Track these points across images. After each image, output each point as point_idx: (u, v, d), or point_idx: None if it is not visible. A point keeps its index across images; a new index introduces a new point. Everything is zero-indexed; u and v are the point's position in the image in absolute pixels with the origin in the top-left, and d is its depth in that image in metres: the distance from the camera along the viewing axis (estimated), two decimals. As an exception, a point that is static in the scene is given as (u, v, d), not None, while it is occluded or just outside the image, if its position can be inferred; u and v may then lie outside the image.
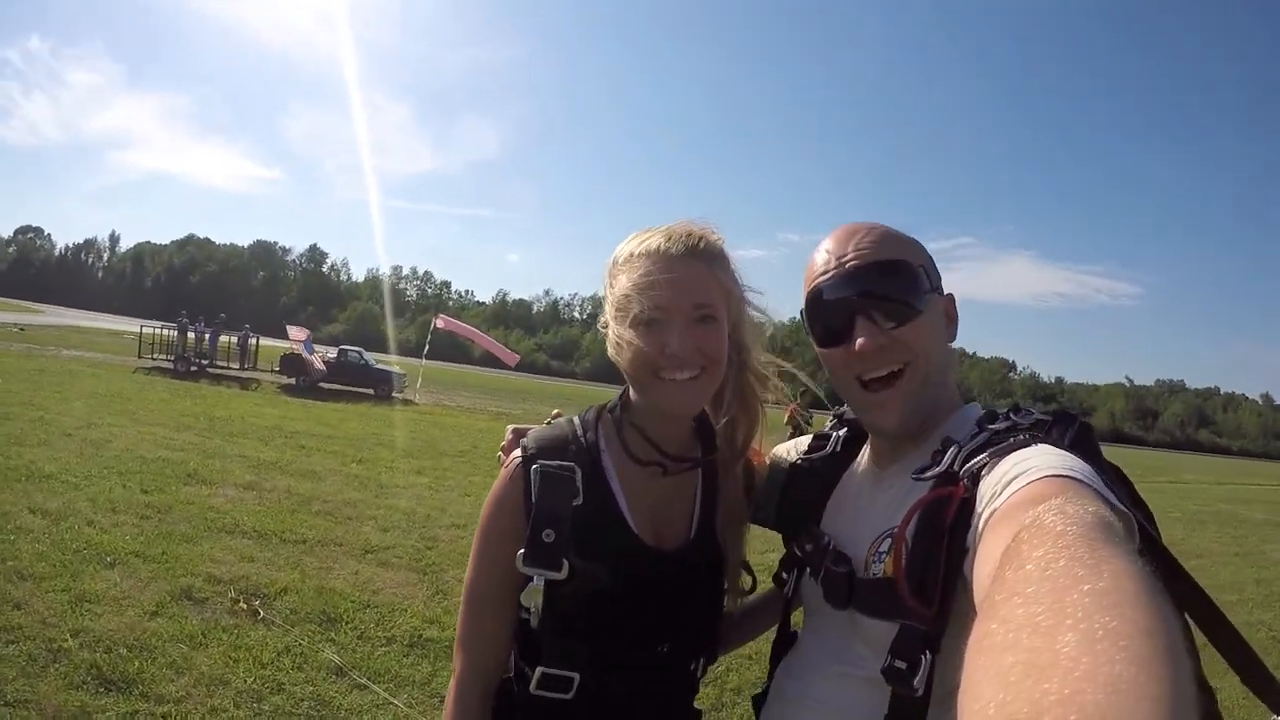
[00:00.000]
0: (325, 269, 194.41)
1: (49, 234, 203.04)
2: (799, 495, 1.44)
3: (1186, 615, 0.98)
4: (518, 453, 1.38)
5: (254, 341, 31.34)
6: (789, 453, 1.56)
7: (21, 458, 8.76)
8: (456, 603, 1.38)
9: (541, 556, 1.27)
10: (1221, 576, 10.71)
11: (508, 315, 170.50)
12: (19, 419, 11.34)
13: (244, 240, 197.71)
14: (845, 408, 1.44)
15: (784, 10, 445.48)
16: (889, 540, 1.17)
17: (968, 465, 1.06)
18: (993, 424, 1.12)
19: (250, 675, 4.30)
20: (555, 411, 1.53)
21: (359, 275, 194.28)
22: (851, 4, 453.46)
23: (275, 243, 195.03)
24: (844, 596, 1.21)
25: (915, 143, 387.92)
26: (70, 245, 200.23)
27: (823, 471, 1.44)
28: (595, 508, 1.33)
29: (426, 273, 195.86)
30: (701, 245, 1.33)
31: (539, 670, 1.30)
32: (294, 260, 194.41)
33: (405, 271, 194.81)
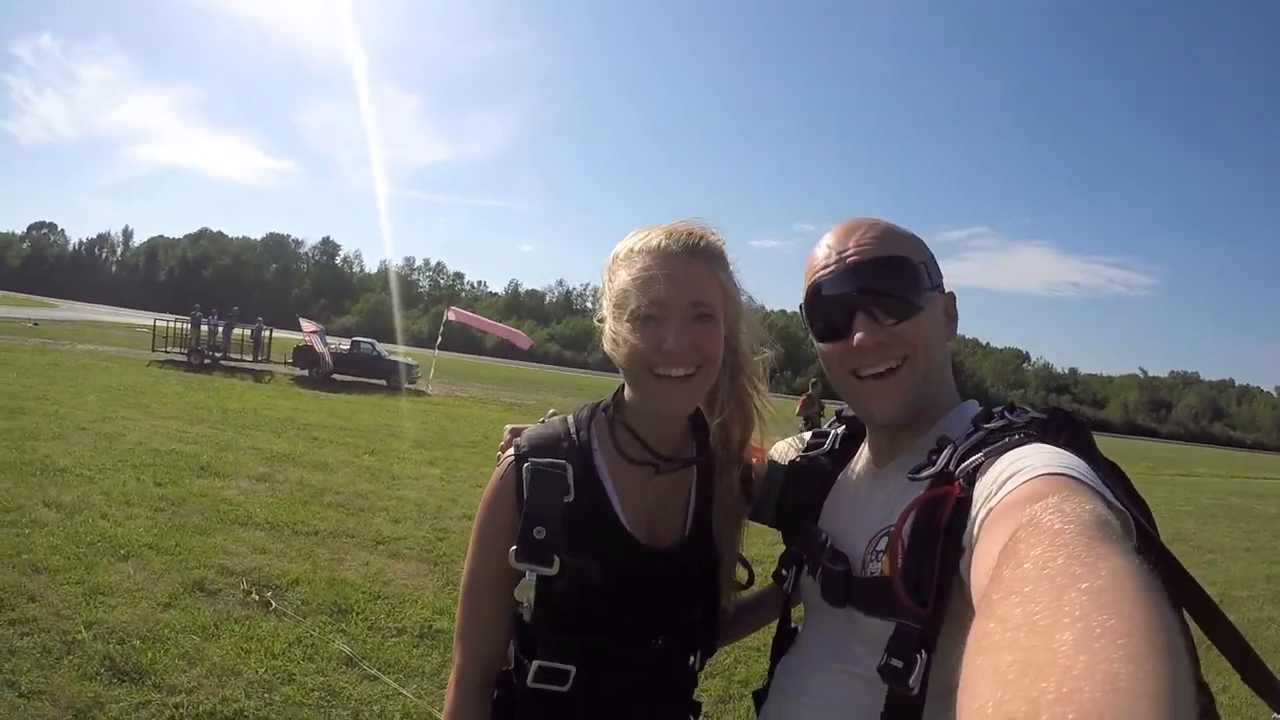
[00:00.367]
0: (338, 261, 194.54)
1: (62, 229, 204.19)
2: (797, 493, 1.45)
3: (1186, 614, 0.98)
4: (511, 451, 1.40)
5: (267, 334, 31.40)
6: (788, 451, 1.56)
7: (36, 452, 8.83)
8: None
9: (533, 552, 1.29)
10: (1232, 572, 10.62)
11: (520, 306, 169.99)
12: (34, 413, 11.43)
13: (257, 233, 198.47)
14: (844, 405, 1.45)
15: (799, 3, 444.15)
16: (886, 539, 1.17)
17: (963, 465, 1.06)
18: (988, 423, 1.12)
19: (261, 666, 4.34)
20: (551, 410, 1.54)
21: (372, 267, 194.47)
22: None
23: (288, 235, 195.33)
24: (841, 595, 1.22)
25: (931, 134, 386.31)
26: (84, 240, 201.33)
27: (821, 470, 1.45)
28: (587, 505, 1.35)
29: (439, 264, 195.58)
30: (702, 244, 1.34)
31: (535, 663, 1.32)
32: (307, 253, 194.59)
33: (418, 263, 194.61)
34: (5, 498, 6.86)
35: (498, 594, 1.36)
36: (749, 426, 1.49)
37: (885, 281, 1.23)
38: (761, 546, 1.52)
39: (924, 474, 1.12)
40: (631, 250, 1.34)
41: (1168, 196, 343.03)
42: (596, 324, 1.42)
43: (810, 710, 1.26)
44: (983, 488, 0.98)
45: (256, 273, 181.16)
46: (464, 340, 73.01)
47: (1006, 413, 1.14)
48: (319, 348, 27.08)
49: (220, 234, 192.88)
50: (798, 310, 1.34)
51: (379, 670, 4.49)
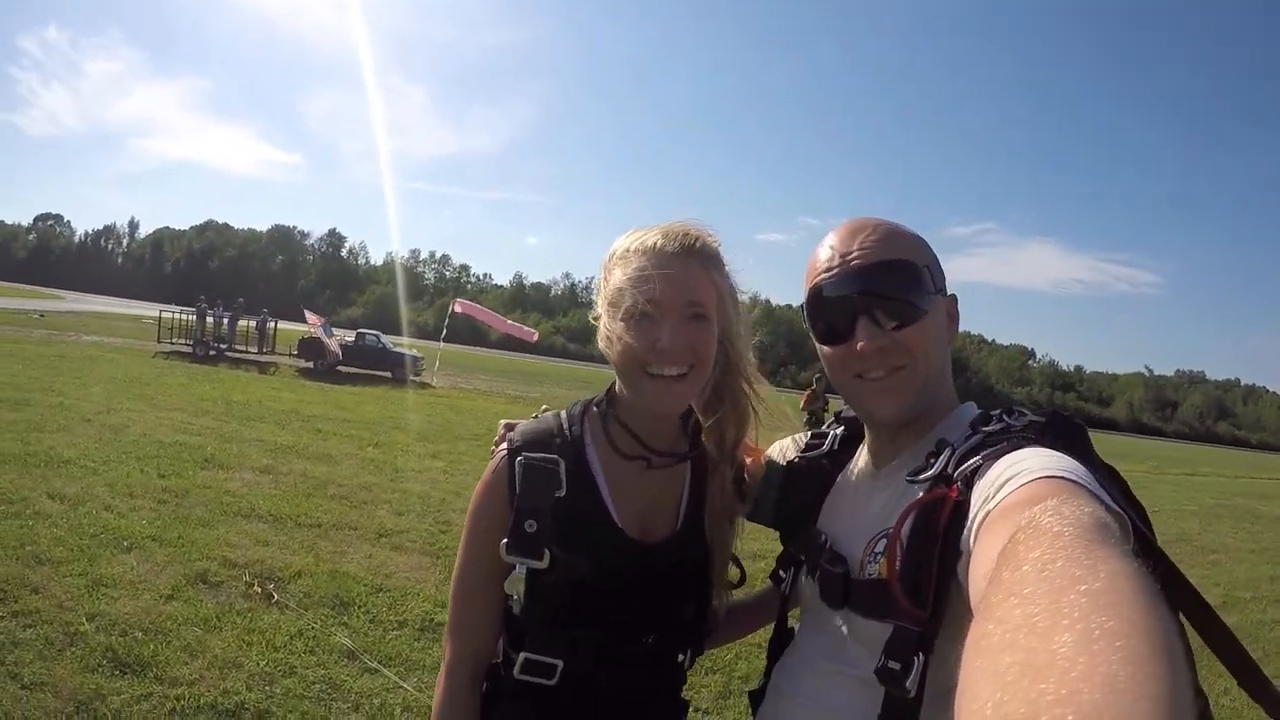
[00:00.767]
0: (344, 253, 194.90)
1: (69, 221, 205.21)
2: (796, 494, 1.45)
3: (1183, 618, 0.97)
4: (504, 445, 1.41)
5: (272, 325, 31.48)
6: (786, 451, 1.56)
7: (41, 443, 8.85)
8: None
9: (524, 546, 1.30)
10: (1237, 573, 10.58)
11: (526, 298, 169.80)
12: (39, 405, 11.46)
13: (263, 225, 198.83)
14: (844, 407, 1.45)
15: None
16: (884, 541, 1.17)
17: (961, 467, 1.06)
18: (986, 426, 1.12)
19: (263, 658, 4.35)
20: (544, 406, 1.54)
21: (378, 259, 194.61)
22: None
23: (294, 227, 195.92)
24: (840, 596, 1.22)
25: (938, 129, 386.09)
26: (90, 232, 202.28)
27: (820, 471, 1.45)
28: (578, 500, 1.36)
29: (444, 256, 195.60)
30: (697, 245, 1.35)
31: (522, 655, 1.34)
32: (312, 245, 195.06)
33: (423, 255, 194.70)
34: (9, 489, 6.87)
35: (489, 587, 1.37)
36: (743, 426, 1.49)
37: (888, 286, 1.23)
38: (765, 542, 1.51)
39: (922, 477, 1.12)
40: (628, 249, 1.35)
41: (1175, 194, 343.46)
42: (592, 321, 1.43)
43: (807, 711, 1.26)
44: (981, 490, 0.98)
45: (262, 264, 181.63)
46: (469, 332, 73.01)
47: (1005, 416, 1.13)
48: (326, 340, 27.08)
49: (226, 226, 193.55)
50: (800, 309, 1.34)
51: (380, 663, 4.50)
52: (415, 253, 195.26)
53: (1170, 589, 0.95)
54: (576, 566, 1.32)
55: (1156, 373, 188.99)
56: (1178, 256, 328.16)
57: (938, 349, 1.26)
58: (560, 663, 1.34)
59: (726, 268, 1.40)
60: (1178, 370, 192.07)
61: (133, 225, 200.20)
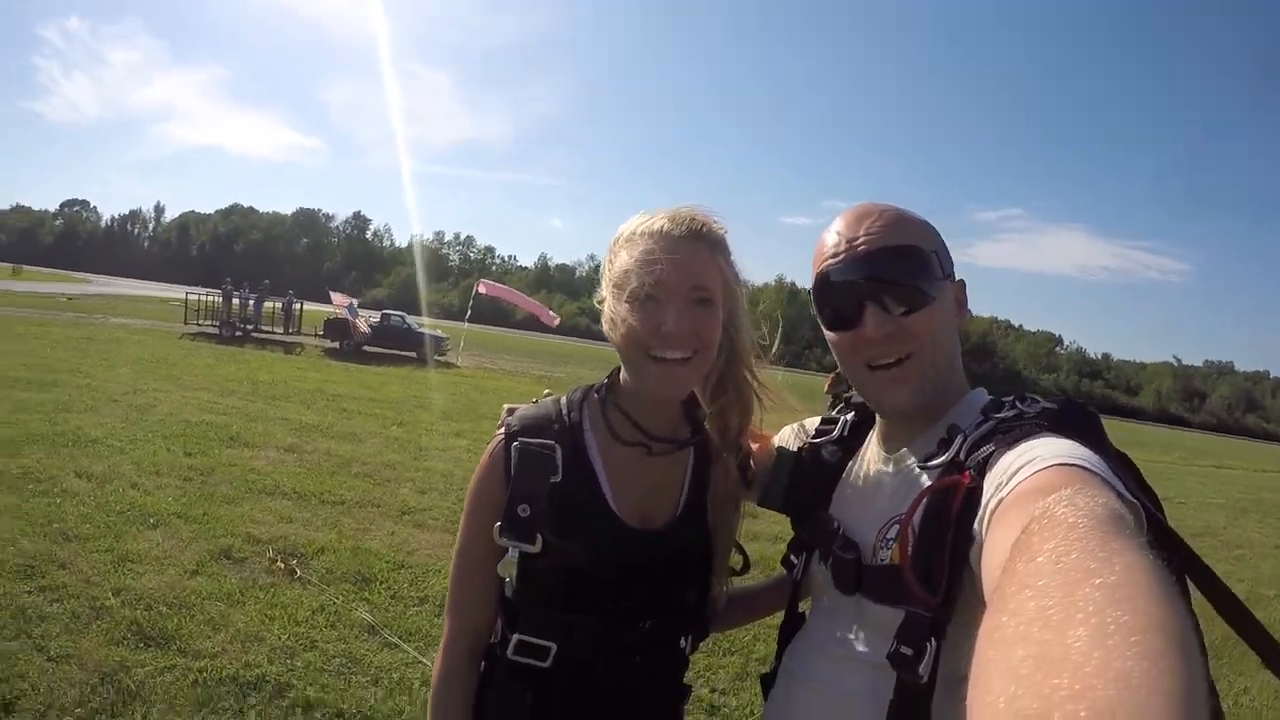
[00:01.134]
0: (369, 235, 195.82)
1: (94, 206, 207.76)
2: (807, 480, 1.44)
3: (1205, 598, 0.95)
4: (502, 429, 1.41)
5: (298, 307, 31.65)
6: (797, 436, 1.55)
7: (69, 423, 8.96)
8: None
9: (517, 529, 1.31)
10: (1262, 569, 10.39)
11: (550, 280, 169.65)
12: (67, 386, 11.61)
13: (287, 209, 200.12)
14: (853, 392, 1.43)
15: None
16: (895, 527, 1.17)
17: (974, 454, 1.05)
18: (998, 412, 1.11)
19: (284, 632, 4.40)
20: (546, 391, 1.54)
21: (402, 241, 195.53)
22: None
23: (318, 210, 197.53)
24: (852, 582, 1.21)
25: (964, 114, 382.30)
26: (116, 217, 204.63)
27: (831, 456, 1.43)
28: (574, 486, 1.36)
29: (469, 238, 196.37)
30: (704, 230, 1.34)
31: (515, 636, 1.35)
32: (337, 227, 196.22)
33: (448, 237, 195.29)
34: (38, 468, 6.97)
35: (485, 568, 1.37)
36: (747, 414, 1.48)
37: (896, 271, 1.21)
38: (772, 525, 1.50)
39: (934, 463, 1.12)
40: (634, 232, 1.34)
41: (1206, 181, 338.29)
42: (597, 305, 1.42)
43: (819, 696, 1.26)
44: (993, 477, 0.97)
45: (287, 247, 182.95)
46: (494, 313, 73.26)
47: (1017, 402, 1.12)
48: (353, 320, 27.16)
49: (251, 209, 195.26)
50: (808, 294, 1.33)
51: (400, 639, 4.54)
52: (440, 235, 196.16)
53: (1187, 568, 0.94)
54: (569, 552, 1.32)
55: (1185, 362, 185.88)
56: (1207, 245, 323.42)
57: (946, 335, 1.25)
58: (554, 646, 1.34)
59: (732, 255, 1.39)
60: (1206, 360, 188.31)
61: (158, 210, 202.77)
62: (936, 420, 1.23)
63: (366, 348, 27.53)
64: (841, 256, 1.24)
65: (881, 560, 1.18)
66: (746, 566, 1.57)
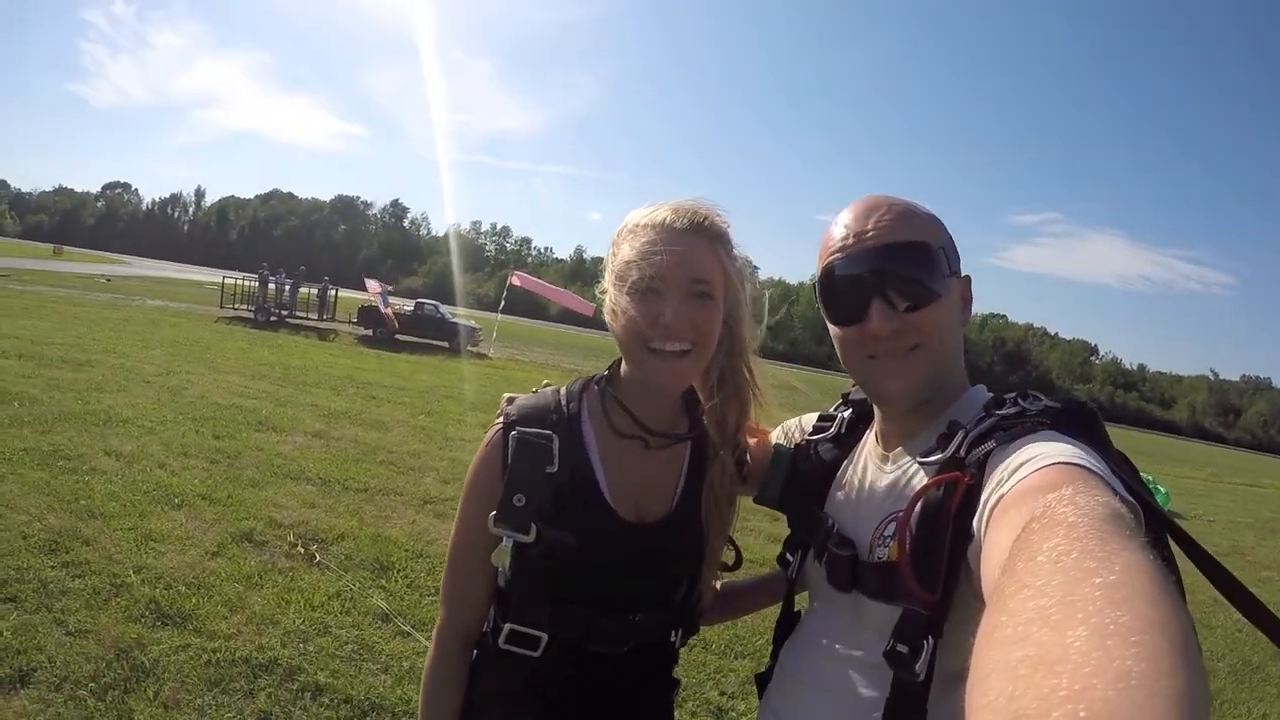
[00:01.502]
0: (406, 223, 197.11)
1: (136, 189, 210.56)
2: (804, 477, 1.43)
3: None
4: (500, 419, 1.42)
5: (333, 293, 31.89)
6: (794, 433, 1.56)
7: (101, 402, 9.10)
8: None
9: (512, 519, 1.31)
10: None
11: (585, 272, 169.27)
12: (101, 365, 11.79)
13: (326, 195, 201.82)
14: (853, 389, 1.43)
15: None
16: (893, 524, 1.16)
17: (974, 451, 1.05)
18: (1000, 409, 1.10)
19: (300, 617, 4.45)
20: (545, 381, 1.55)
21: (439, 230, 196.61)
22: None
23: (357, 197, 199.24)
24: (848, 580, 1.21)
25: (1005, 113, 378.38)
26: (156, 200, 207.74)
27: (827, 453, 1.43)
28: (571, 477, 1.36)
29: (505, 228, 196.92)
30: (706, 223, 1.34)
31: (507, 626, 1.36)
32: (375, 215, 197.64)
33: (484, 227, 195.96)
34: (68, 446, 7.08)
35: (480, 556, 1.38)
36: (745, 410, 1.48)
37: (902, 267, 1.20)
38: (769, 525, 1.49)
39: (933, 459, 1.11)
40: (637, 224, 1.35)
41: (1251, 192, 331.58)
42: (599, 295, 1.43)
43: (815, 694, 1.26)
44: (993, 475, 0.97)
45: (325, 233, 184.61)
46: (528, 305, 73.59)
47: (1019, 400, 1.11)
48: (383, 309, 27.30)
49: (290, 195, 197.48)
50: (813, 288, 1.32)
51: (412, 627, 4.57)
52: (476, 224, 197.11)
53: (1188, 550, 0.93)
54: (563, 542, 1.32)
55: (1222, 377, 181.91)
56: (1252, 258, 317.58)
57: (951, 332, 1.23)
58: (544, 635, 1.35)
59: (735, 249, 1.39)
60: (1243, 375, 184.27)
61: (199, 194, 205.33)
62: (936, 416, 1.23)
63: (399, 336, 27.64)
64: (848, 250, 1.23)
65: (879, 557, 1.17)
66: (739, 562, 1.57)
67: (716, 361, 1.41)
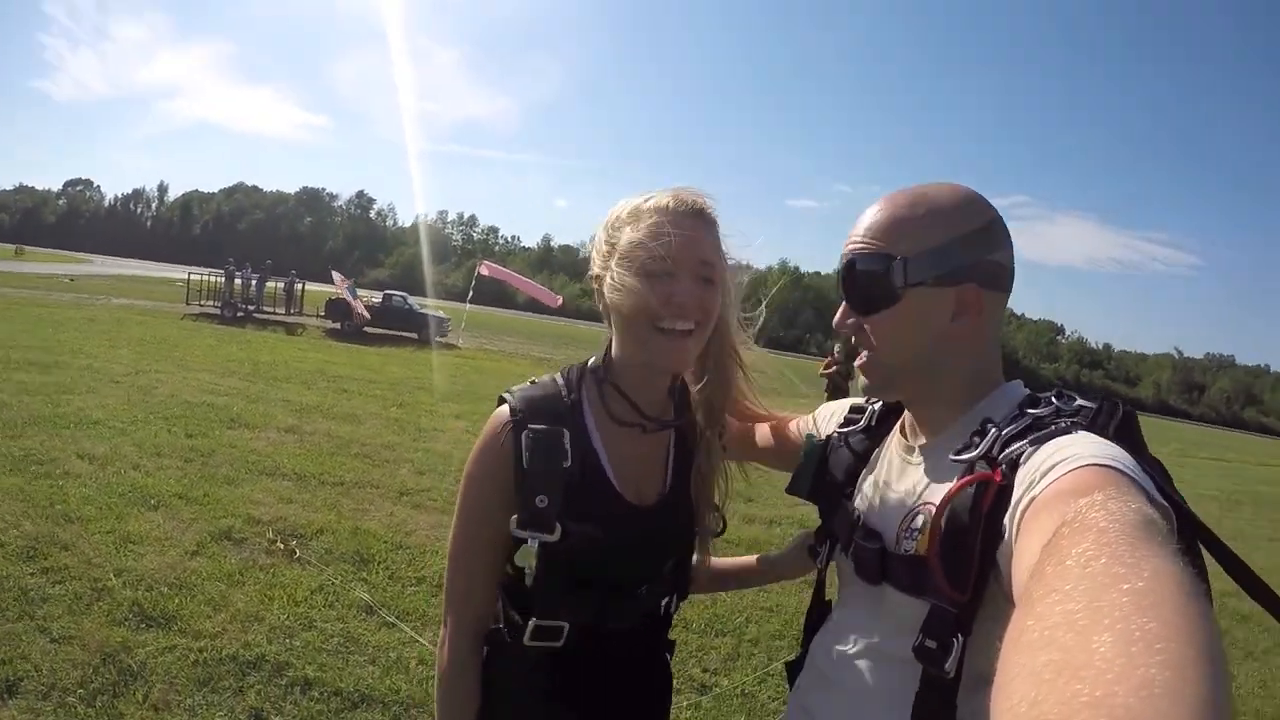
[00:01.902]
0: (372, 215, 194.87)
1: (98, 185, 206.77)
2: (833, 468, 1.45)
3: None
4: (506, 412, 1.41)
5: (300, 287, 31.56)
6: (825, 424, 1.58)
7: (70, 405, 8.99)
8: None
9: (537, 521, 1.33)
10: (1254, 560, 9.51)
11: (553, 260, 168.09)
12: (69, 367, 11.61)
13: (291, 187, 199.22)
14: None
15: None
16: (920, 517, 1.17)
17: (1007, 450, 1.05)
18: (1034, 409, 1.10)
19: (284, 612, 4.46)
20: (532, 377, 1.54)
21: (406, 221, 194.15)
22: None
23: (322, 189, 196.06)
24: (876, 572, 1.21)
25: (975, 96, 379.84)
26: (119, 196, 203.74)
27: (858, 445, 1.44)
28: (582, 469, 1.38)
29: (472, 217, 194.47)
30: (705, 210, 1.38)
31: (532, 622, 1.38)
32: (341, 206, 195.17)
33: (451, 217, 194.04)
34: (39, 450, 7.00)
35: (490, 556, 1.41)
36: (729, 392, 1.54)
37: (857, 275, 1.24)
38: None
39: (965, 456, 1.11)
40: (638, 208, 1.38)
41: (1219, 172, 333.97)
42: (592, 283, 1.45)
43: (843, 687, 1.27)
44: (1025, 475, 0.97)
45: (290, 226, 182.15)
46: (496, 294, 73.17)
47: (1054, 399, 1.12)
48: (351, 302, 27.10)
49: (255, 188, 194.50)
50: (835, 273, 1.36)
51: (397, 618, 4.60)
52: (443, 214, 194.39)
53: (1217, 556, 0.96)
54: (589, 535, 1.35)
55: (1186, 355, 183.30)
56: (1218, 238, 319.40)
57: (913, 340, 1.22)
58: (567, 625, 1.39)
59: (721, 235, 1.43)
60: (1207, 353, 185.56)
61: (162, 189, 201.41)
62: (965, 411, 1.23)
63: (368, 329, 27.45)
64: (846, 246, 1.28)
65: (906, 550, 1.18)
66: (723, 529, 1.62)
67: (709, 346, 1.45)
